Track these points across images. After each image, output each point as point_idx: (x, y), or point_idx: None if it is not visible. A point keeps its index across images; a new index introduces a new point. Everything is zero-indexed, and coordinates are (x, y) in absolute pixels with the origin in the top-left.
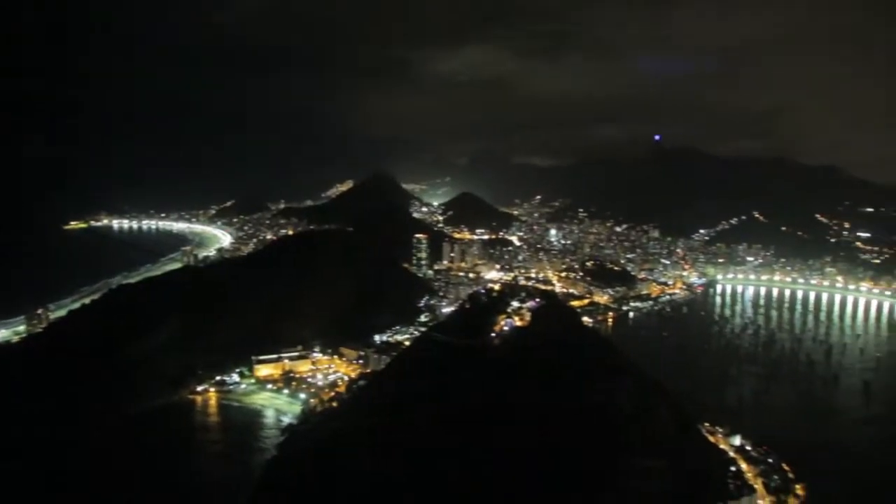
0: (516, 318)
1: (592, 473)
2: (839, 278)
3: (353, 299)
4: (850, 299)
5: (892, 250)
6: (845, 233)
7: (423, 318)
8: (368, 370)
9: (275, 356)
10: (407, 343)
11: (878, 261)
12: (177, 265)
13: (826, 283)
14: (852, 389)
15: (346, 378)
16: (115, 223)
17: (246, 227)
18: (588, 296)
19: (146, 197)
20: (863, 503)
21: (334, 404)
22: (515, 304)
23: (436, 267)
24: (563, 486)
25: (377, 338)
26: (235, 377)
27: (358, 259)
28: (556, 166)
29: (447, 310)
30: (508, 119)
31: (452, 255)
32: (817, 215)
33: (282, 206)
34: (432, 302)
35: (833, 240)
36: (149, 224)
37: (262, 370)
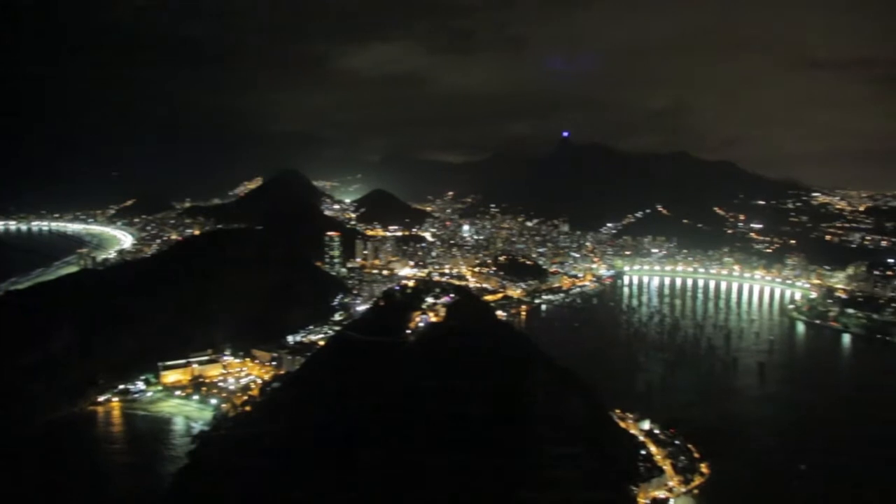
0: (431, 314)
1: (508, 464)
2: (736, 267)
3: (265, 300)
4: (745, 287)
5: (782, 240)
6: (740, 224)
7: (337, 317)
8: (282, 372)
9: (183, 361)
10: (322, 343)
11: (769, 250)
12: (73, 269)
13: (724, 271)
14: (749, 370)
15: (259, 381)
16: (0, 225)
17: (149, 228)
18: (501, 290)
19: (37, 196)
20: (760, 477)
21: (247, 409)
22: (430, 300)
23: (349, 265)
24: (479, 480)
25: (291, 338)
26: (141, 385)
27: (268, 258)
28: (468, 162)
29: (362, 308)
30: (420, 115)
31: (366, 252)
32: (715, 208)
33: (187, 204)
34: (346, 300)
35: (730, 231)
36: (39, 225)
37: (170, 376)
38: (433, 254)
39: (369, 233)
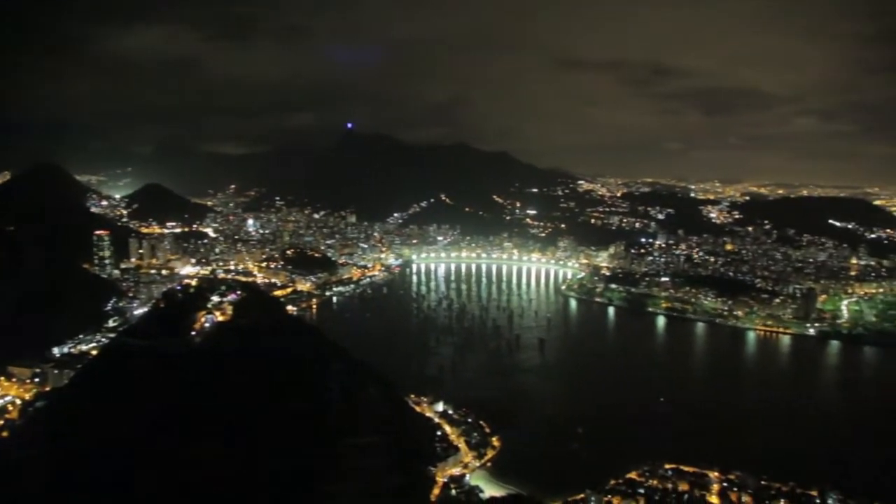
0: (217, 313)
1: (307, 461)
2: (515, 251)
3: (23, 310)
4: (524, 269)
5: (554, 225)
6: (517, 211)
7: (112, 323)
8: (48, 388)
9: None
10: (94, 353)
11: (543, 234)
12: None
13: (504, 256)
14: (531, 347)
15: (18, 401)
16: None
17: None
18: (291, 284)
19: None
20: (544, 442)
21: (4, 434)
22: (216, 298)
23: (122, 266)
24: (278, 480)
25: (56, 350)
26: None
27: (23, 263)
28: (250, 154)
29: (140, 311)
30: (197, 104)
31: (141, 251)
32: (494, 196)
33: None
34: (121, 304)
35: (508, 217)
36: None
37: None
38: (217, 250)
39: (144, 230)
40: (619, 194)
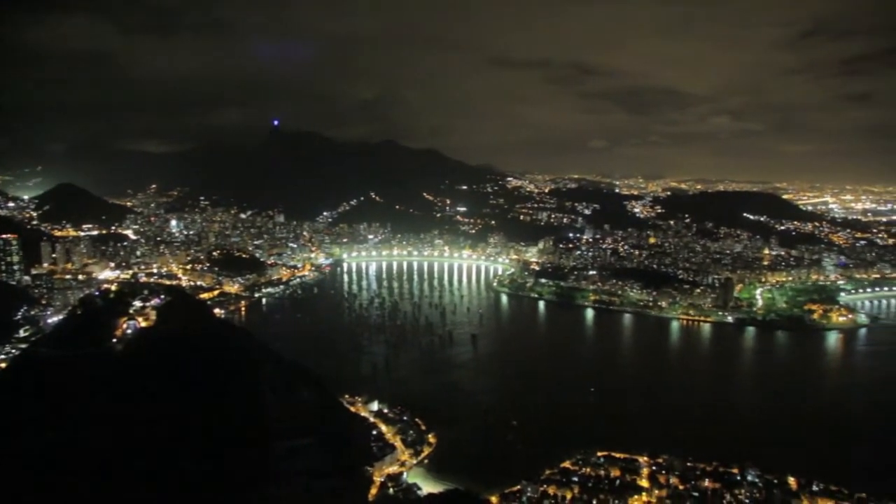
0: (140, 319)
1: (239, 467)
2: (446, 248)
3: None
4: (455, 266)
5: (484, 221)
6: (447, 209)
7: (22, 333)
8: None
9: None
10: (3, 365)
11: (473, 231)
12: None
13: (436, 253)
14: (464, 342)
15: None
16: None
17: None
18: (218, 286)
19: None
20: (478, 436)
21: None
22: (138, 303)
23: (34, 271)
24: (211, 487)
25: None
26: None
27: None
28: (172, 152)
29: (54, 319)
30: (115, 100)
31: (55, 255)
32: (424, 194)
33: None
34: (33, 312)
35: (438, 215)
36: None
37: None
38: (138, 253)
39: (57, 233)
40: (547, 190)
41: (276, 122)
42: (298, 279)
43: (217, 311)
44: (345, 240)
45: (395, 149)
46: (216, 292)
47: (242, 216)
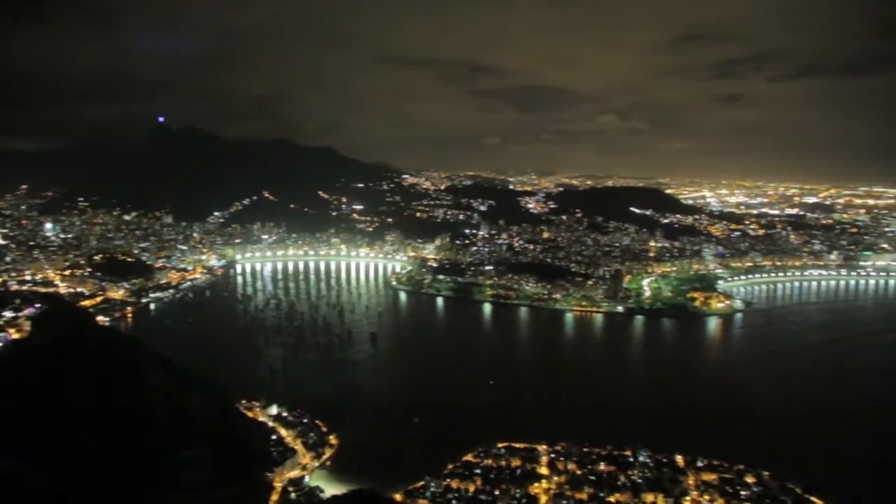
0: (11, 331)
1: (132, 482)
2: (342, 247)
3: None
4: (353, 264)
5: (381, 219)
6: (343, 207)
7: None
8: None
9: None
10: None
11: (370, 229)
12: None
13: (332, 252)
14: (363, 341)
15: None
16: None
17: None
18: (101, 293)
19: None
20: (380, 435)
21: None
22: (8, 314)
23: None
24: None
25: None
26: None
27: None
28: (45, 150)
29: None
30: None
31: None
32: (319, 192)
33: None
34: None
35: (335, 213)
36: None
37: None
38: (7, 259)
39: None
40: (442, 187)
41: (161, 119)
42: (189, 282)
43: (101, 318)
44: (238, 240)
45: (289, 147)
46: (99, 299)
47: (127, 217)
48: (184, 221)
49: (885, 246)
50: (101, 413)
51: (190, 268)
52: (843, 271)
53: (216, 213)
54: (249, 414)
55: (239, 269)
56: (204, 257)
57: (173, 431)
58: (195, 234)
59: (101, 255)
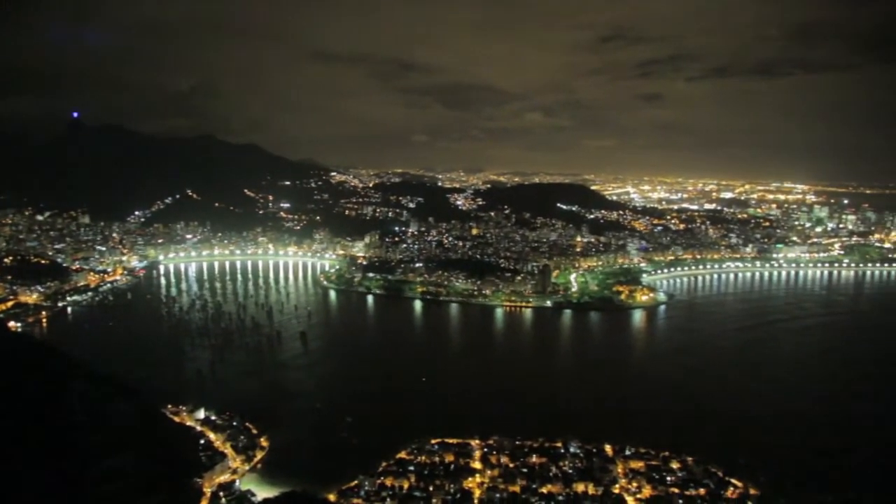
0: None
1: (52, 497)
2: (270, 246)
3: None
4: (281, 263)
5: (309, 217)
6: (270, 205)
7: None
8: None
9: None
10: None
11: (298, 227)
12: None
13: (260, 251)
14: (293, 341)
15: None
16: None
17: None
18: (12, 297)
19: None
20: (312, 436)
21: None
22: None
23: None
24: None
25: None
26: None
27: None
28: None
29: None
30: None
31: None
32: (245, 190)
33: None
34: None
35: (261, 212)
36: None
37: None
38: None
39: None
40: (371, 185)
41: (76, 114)
42: (109, 284)
43: (12, 324)
44: (160, 241)
45: (213, 143)
46: (10, 304)
47: (39, 217)
48: (102, 221)
49: (795, 239)
50: (16, 425)
51: (109, 269)
52: (758, 263)
53: (137, 213)
54: (176, 419)
55: (162, 269)
56: (124, 258)
57: (96, 441)
58: (114, 235)
59: (11, 258)
